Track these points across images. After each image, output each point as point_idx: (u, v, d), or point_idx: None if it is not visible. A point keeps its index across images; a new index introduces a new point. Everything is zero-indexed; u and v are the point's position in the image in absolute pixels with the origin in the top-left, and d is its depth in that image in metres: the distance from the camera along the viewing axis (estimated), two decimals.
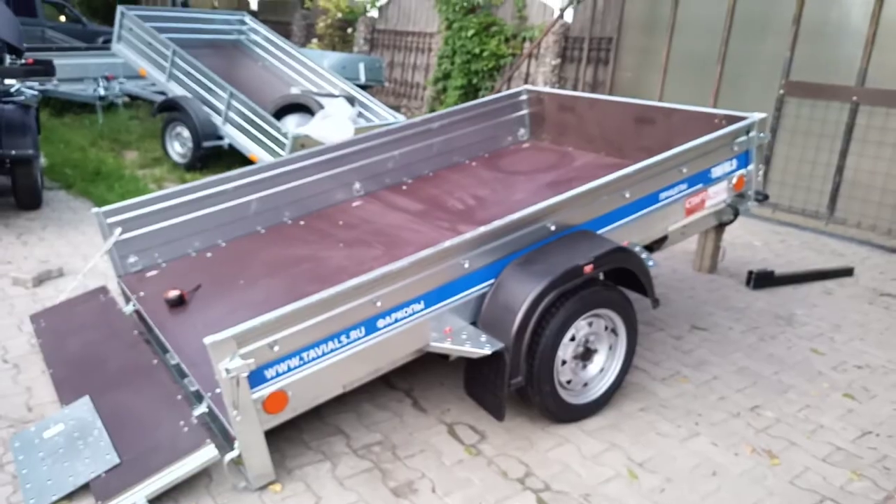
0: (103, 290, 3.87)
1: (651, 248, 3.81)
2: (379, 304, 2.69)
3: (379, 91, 13.27)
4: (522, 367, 2.87)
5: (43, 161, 6.34)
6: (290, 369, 2.54)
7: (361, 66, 11.12)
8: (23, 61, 5.71)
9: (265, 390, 2.49)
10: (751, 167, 3.91)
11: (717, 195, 3.83)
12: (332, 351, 2.63)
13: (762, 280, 5.19)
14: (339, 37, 14.13)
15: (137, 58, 8.47)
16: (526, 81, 10.50)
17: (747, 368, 3.88)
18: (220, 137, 7.72)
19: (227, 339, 2.33)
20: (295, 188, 4.36)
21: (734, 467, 2.98)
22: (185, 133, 7.85)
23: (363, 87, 11.08)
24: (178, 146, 8.04)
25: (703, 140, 3.57)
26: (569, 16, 10.11)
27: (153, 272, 3.84)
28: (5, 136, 5.58)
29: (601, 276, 3.34)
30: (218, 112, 7.69)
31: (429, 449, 2.97)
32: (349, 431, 3.04)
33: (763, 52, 7.50)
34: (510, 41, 10.75)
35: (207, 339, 2.31)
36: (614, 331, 3.26)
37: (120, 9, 8.42)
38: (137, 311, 3.58)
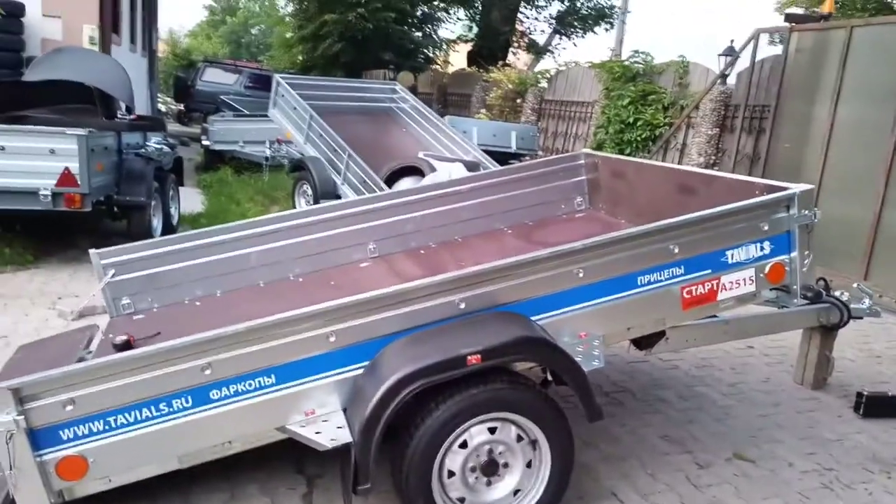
0: (92, 327, 3.98)
1: (640, 343, 3.03)
2: (208, 372, 2.36)
3: None
4: (373, 471, 2.33)
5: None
6: (91, 433, 2.29)
7: (513, 134, 11.00)
8: (131, 117, 6.39)
9: (58, 453, 2.26)
10: (794, 254, 2.96)
11: (740, 287, 2.94)
12: (147, 419, 2.33)
13: (878, 406, 3.93)
14: (510, 107, 14.19)
15: (286, 122, 9.15)
16: (682, 153, 9.57)
17: None
18: (339, 196, 7.97)
19: (2, 389, 2.17)
20: (304, 243, 4.20)
21: None
22: (310, 191, 8.25)
23: (515, 156, 10.87)
24: (304, 203, 8.47)
25: (700, 214, 2.78)
26: (732, 80, 9.09)
27: (140, 316, 3.88)
28: (123, 184, 6.23)
29: (548, 374, 2.70)
30: (339, 172, 7.99)
31: None
32: None
33: None
34: (668, 109, 9.92)
35: None
36: (535, 443, 2.56)
37: (275, 77, 9.19)
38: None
